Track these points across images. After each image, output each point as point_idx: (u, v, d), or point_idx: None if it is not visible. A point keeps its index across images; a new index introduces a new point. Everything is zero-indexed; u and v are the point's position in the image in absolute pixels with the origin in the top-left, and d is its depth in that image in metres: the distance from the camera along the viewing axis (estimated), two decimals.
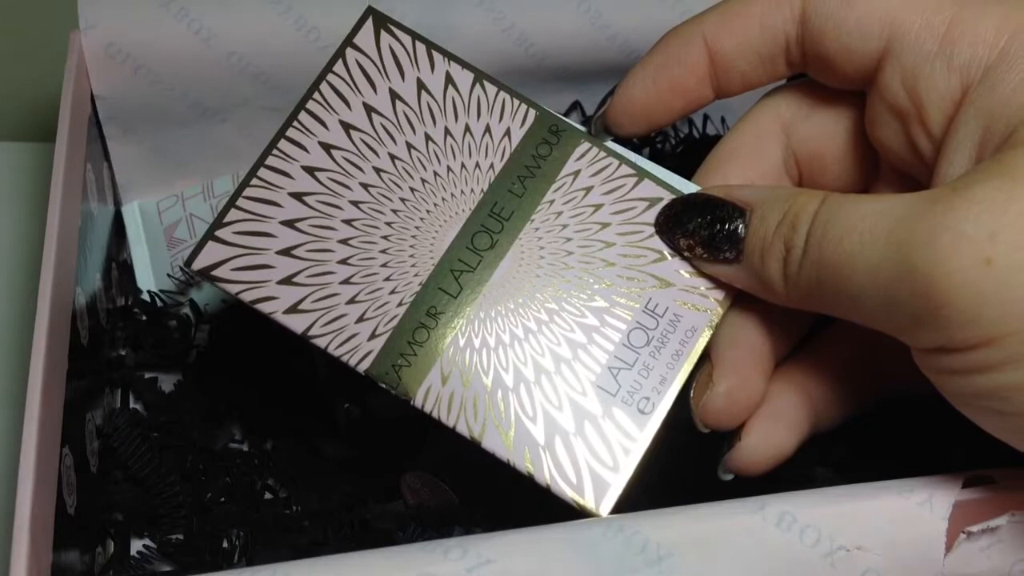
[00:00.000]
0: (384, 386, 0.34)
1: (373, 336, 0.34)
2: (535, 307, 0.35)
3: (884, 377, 0.37)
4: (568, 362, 0.35)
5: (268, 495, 0.45)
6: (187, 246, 0.53)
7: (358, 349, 0.34)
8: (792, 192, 0.33)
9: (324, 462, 0.45)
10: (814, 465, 0.43)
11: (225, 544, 0.43)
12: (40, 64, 0.58)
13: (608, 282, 0.35)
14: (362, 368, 0.34)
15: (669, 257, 0.35)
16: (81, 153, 0.46)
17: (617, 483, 0.34)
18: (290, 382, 0.47)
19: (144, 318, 0.51)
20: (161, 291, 0.52)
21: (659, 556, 0.31)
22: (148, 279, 0.53)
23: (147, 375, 0.50)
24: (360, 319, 0.35)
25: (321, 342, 0.34)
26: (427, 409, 0.34)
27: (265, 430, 0.47)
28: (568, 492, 0.34)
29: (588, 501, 0.34)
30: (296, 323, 0.34)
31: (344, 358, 0.34)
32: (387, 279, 0.35)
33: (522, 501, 0.42)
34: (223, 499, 0.45)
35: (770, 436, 0.35)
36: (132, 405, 0.49)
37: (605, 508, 0.34)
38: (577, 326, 0.35)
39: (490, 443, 0.34)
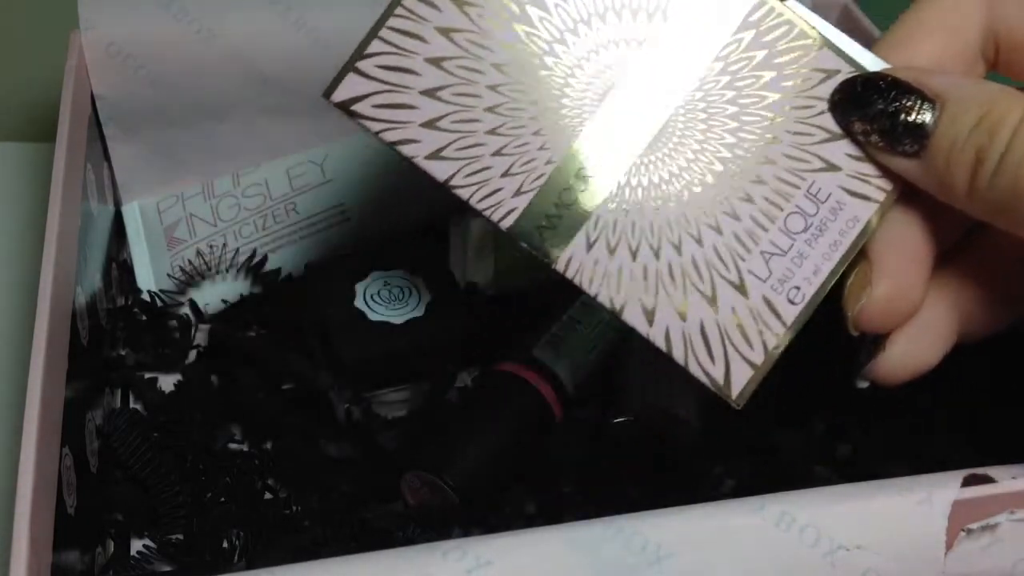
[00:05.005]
0: (524, 246, 0.32)
1: (518, 193, 0.32)
2: (690, 179, 0.33)
3: None
4: (719, 242, 0.33)
5: (268, 495, 0.45)
6: (187, 246, 0.53)
7: (501, 205, 0.32)
8: (993, 93, 0.30)
9: (324, 462, 0.45)
10: (814, 465, 0.43)
11: (225, 544, 0.43)
12: (40, 64, 0.58)
13: (771, 159, 0.33)
14: (504, 225, 0.32)
15: (839, 138, 0.33)
16: (81, 153, 0.46)
17: (756, 370, 0.32)
18: (290, 382, 0.47)
19: (144, 318, 0.51)
20: (161, 291, 0.52)
21: (659, 556, 0.31)
22: (148, 279, 0.53)
23: (147, 375, 0.50)
24: (505, 173, 0.32)
25: (463, 193, 0.32)
26: (568, 275, 0.32)
27: (265, 430, 0.47)
28: (703, 374, 0.32)
29: (723, 384, 0.32)
30: (438, 170, 0.32)
31: (487, 213, 0.32)
32: (536, 133, 0.33)
33: (521, 501, 0.43)
34: (223, 499, 0.45)
35: (916, 347, 0.33)
36: (132, 405, 0.49)
37: (739, 394, 0.32)
38: (733, 204, 0.33)
39: (630, 317, 0.32)
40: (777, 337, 0.32)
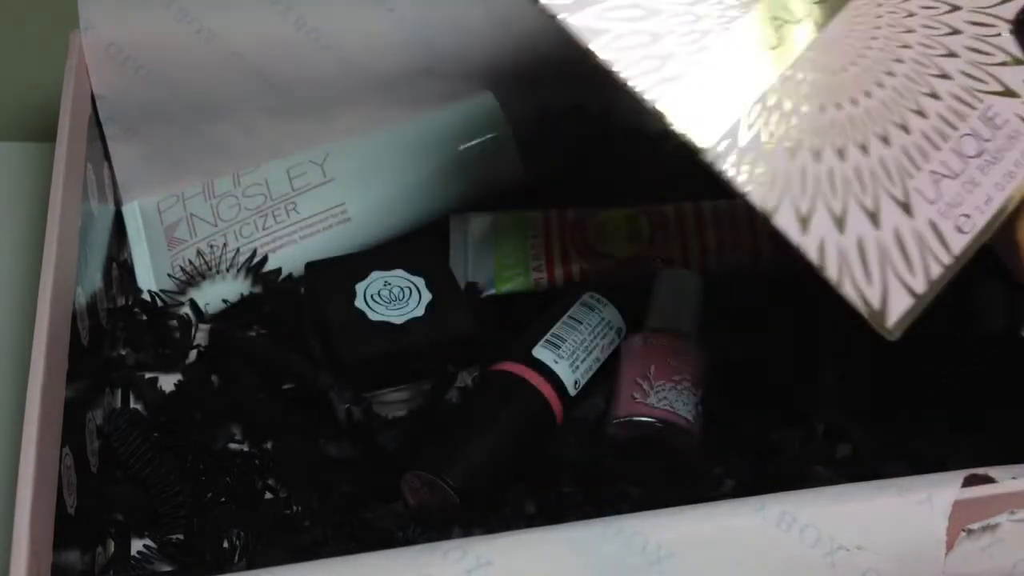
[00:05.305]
0: (671, 128, 0.30)
1: (663, 70, 0.30)
2: (859, 84, 0.31)
3: None
4: (887, 154, 0.30)
5: (268, 495, 0.45)
6: (187, 246, 0.53)
7: (645, 79, 0.29)
8: None
9: (324, 462, 0.45)
10: (814, 465, 0.43)
11: (225, 544, 0.43)
12: (40, 64, 0.58)
13: (947, 75, 0.31)
14: (649, 100, 0.30)
15: (1020, 64, 0.31)
16: (81, 153, 0.46)
17: (916, 300, 0.30)
18: (290, 382, 0.47)
19: (144, 318, 0.51)
20: (161, 291, 0.52)
21: (659, 556, 0.31)
22: (148, 279, 0.53)
23: (147, 375, 0.50)
24: (657, 46, 0.30)
25: (608, 59, 0.29)
26: (720, 166, 0.30)
27: (265, 430, 0.47)
28: (857, 296, 0.30)
29: (879, 311, 0.30)
30: (585, 33, 0.29)
31: (631, 84, 0.30)
32: (700, 16, 0.30)
33: (521, 501, 0.43)
34: (223, 499, 0.45)
35: None
36: (132, 405, 0.49)
37: (895, 323, 0.30)
38: (904, 116, 0.31)
39: (783, 222, 0.30)
40: (943, 267, 0.30)
